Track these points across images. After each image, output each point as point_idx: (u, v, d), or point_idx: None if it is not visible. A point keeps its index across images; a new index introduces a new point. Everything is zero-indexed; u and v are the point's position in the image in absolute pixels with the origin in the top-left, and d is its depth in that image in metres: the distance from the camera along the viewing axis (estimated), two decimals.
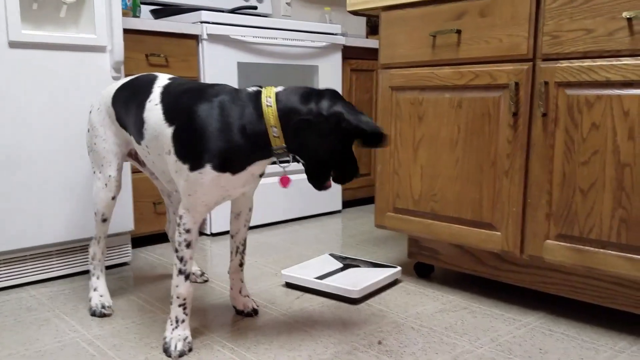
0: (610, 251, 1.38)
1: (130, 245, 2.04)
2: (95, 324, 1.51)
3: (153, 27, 2.18)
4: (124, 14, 2.24)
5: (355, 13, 1.88)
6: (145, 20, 2.17)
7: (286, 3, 3.33)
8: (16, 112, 1.71)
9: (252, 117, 1.22)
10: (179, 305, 1.34)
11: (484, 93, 1.57)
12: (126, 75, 2.10)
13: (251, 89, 1.27)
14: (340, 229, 2.62)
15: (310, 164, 1.25)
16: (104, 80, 1.89)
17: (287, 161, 1.33)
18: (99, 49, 1.87)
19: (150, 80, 1.45)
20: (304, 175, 2.77)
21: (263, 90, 1.25)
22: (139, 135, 1.41)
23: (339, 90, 2.90)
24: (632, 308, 1.43)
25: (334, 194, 2.96)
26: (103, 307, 1.57)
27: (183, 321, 1.35)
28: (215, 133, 1.21)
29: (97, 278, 1.61)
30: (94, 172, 1.59)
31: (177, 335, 1.34)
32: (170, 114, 1.30)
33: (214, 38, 2.37)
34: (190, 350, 1.35)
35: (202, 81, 2.10)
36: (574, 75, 1.39)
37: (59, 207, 1.82)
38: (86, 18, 1.85)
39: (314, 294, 1.74)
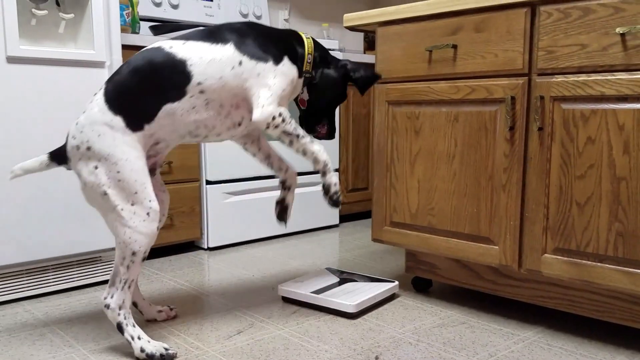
0: (607, 265, 1.38)
1: None
2: (91, 339, 1.50)
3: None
4: (124, 30, 2.26)
5: (352, 29, 1.90)
6: (145, 37, 2.19)
7: (284, 19, 3.36)
8: (14, 127, 1.72)
9: (298, 44, 1.56)
10: None
11: (480, 107, 1.58)
12: None
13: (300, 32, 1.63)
14: (337, 243, 2.62)
15: (316, 103, 1.60)
16: None
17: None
18: (98, 65, 1.88)
19: (164, 51, 1.39)
20: (302, 190, 2.78)
21: (304, 36, 1.59)
22: (185, 80, 1.37)
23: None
24: (630, 322, 1.43)
25: (331, 208, 2.96)
26: (164, 347, 1.38)
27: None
28: (281, 44, 1.50)
29: (134, 326, 1.40)
30: (121, 210, 1.33)
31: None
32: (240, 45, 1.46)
33: None
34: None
35: None
36: (569, 89, 1.40)
37: (55, 222, 1.82)
38: (85, 33, 1.86)
39: (310, 308, 1.73)
